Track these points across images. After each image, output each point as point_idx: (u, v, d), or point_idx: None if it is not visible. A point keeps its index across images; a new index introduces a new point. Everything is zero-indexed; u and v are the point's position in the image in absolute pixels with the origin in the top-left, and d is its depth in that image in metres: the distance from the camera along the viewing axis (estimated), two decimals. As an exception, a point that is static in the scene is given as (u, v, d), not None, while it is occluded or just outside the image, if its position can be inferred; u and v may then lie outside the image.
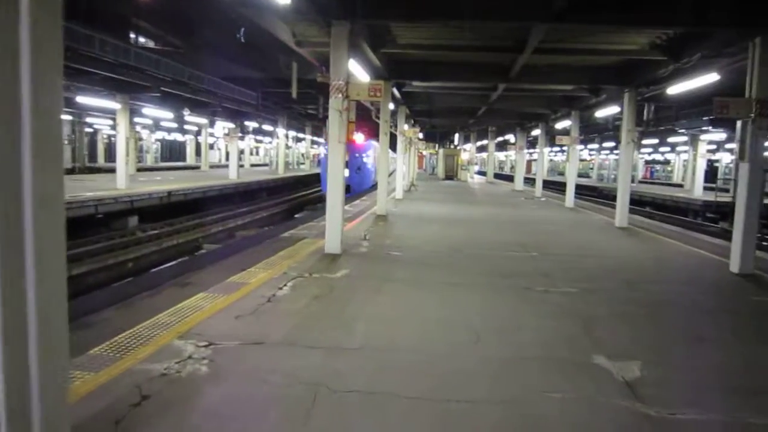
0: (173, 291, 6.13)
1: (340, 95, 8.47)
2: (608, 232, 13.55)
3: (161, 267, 13.13)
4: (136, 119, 31.62)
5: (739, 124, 8.74)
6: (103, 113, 30.21)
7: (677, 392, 3.98)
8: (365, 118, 20.67)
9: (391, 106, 18.21)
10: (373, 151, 27.73)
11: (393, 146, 22.22)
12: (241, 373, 3.93)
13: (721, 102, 8.56)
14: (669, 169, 60.52)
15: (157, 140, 53.34)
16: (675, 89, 12.53)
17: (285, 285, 6.53)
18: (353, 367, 4.15)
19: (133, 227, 17.68)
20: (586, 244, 11.34)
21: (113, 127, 26.50)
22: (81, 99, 20.96)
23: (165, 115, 27.23)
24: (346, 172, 29.41)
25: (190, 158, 54.41)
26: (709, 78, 10.85)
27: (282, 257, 8.21)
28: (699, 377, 4.33)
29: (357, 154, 27.88)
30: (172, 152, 62.68)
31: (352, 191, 27.96)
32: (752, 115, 8.47)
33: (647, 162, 62.04)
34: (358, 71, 11.30)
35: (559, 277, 7.73)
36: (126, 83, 19.56)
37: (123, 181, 19.84)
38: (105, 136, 45.92)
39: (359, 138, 27.19)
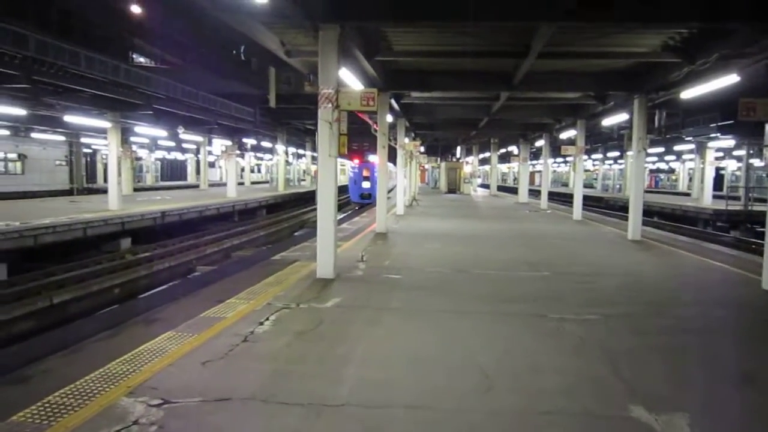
0: (136, 330, 5.36)
1: (329, 105, 7.74)
2: (622, 247, 12.74)
3: (130, 300, 12.25)
4: (133, 138, 31.06)
5: (767, 127, 8.00)
6: (100, 133, 29.70)
7: (743, 460, 3.19)
8: (372, 139, 20.30)
9: (390, 118, 17.52)
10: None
11: (394, 160, 21.55)
12: (194, 446, 3.15)
13: (748, 104, 7.84)
14: (674, 177, 59.71)
15: (157, 159, 52.76)
16: (689, 93, 11.74)
17: (267, 319, 5.74)
18: (336, 433, 3.37)
19: (125, 250, 16.96)
20: (599, 261, 10.53)
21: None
22: (69, 118, 20.28)
23: (159, 133, 26.62)
24: (368, 184, 30.33)
25: (191, 177, 53.81)
26: (728, 80, 10.11)
27: (268, 284, 7.43)
28: (764, 435, 3.54)
29: (375, 171, 32.03)
30: (173, 171, 62.14)
31: (372, 199, 31.62)
32: (782, 117, 7.76)
33: (651, 171, 61.18)
34: (351, 81, 10.61)
35: (575, 301, 6.93)
36: (117, 101, 18.96)
37: (115, 202, 19.17)
38: (104, 157, 45.32)
39: (376, 158, 32.03)
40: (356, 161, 39.22)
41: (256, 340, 5.09)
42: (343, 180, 65.13)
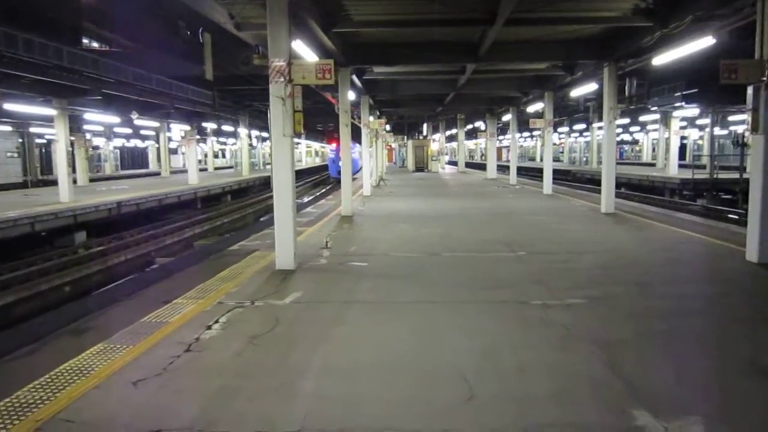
0: (63, 343, 4.64)
1: (281, 79, 7.01)
2: (596, 221, 12.34)
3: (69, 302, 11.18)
4: (87, 127, 29.66)
5: (749, 90, 7.55)
6: (51, 122, 28.19)
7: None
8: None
9: (353, 96, 16.79)
10: (357, 148, 34.05)
11: (359, 139, 20.92)
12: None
13: (729, 65, 7.36)
14: (638, 148, 60.24)
15: (115, 148, 50.90)
16: (661, 59, 11.26)
17: (216, 322, 5.07)
18: (287, 471, 2.76)
19: (80, 244, 16.02)
20: (576, 237, 10.07)
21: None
22: (11, 106, 19.00)
23: (111, 119, 25.40)
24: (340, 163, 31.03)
25: (153, 164, 52.10)
26: (702, 42, 9.64)
27: (221, 279, 6.73)
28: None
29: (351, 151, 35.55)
30: (134, 159, 60.28)
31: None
32: (764, 78, 7.31)
33: (616, 143, 61.40)
34: (308, 56, 9.87)
35: (557, 284, 6.42)
36: (62, 87, 17.80)
37: (66, 194, 18.12)
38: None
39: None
40: (334, 144, 40.02)
41: (201, 348, 4.42)
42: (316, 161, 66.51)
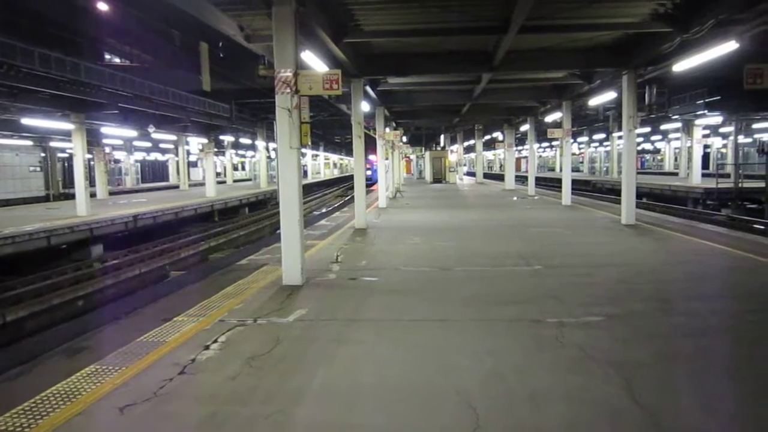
0: (54, 363, 4.47)
1: (288, 90, 6.84)
2: (616, 232, 11.97)
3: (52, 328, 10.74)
4: (106, 140, 29.94)
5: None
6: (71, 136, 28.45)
7: None
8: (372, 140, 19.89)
9: (367, 107, 16.64)
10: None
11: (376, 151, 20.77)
12: None
13: (754, 70, 7.10)
14: (659, 157, 59.37)
15: (136, 161, 51.39)
16: (682, 65, 10.90)
17: (215, 341, 4.86)
18: None
19: (96, 257, 16.04)
20: (595, 250, 9.71)
21: (89, 150, 24.79)
22: (29, 121, 19.20)
23: (129, 133, 25.61)
24: (369, 173, 32.65)
25: (173, 177, 52.54)
26: (725, 47, 9.29)
27: (226, 295, 6.54)
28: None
29: (374, 164, 37.57)
30: (155, 172, 60.73)
31: (372, 181, 35.37)
32: (792, 83, 6.99)
33: (636, 152, 60.46)
34: (319, 67, 9.72)
35: (574, 300, 6.12)
36: (79, 101, 17.96)
37: (83, 208, 18.26)
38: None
39: (373, 157, 37.66)
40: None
41: (196, 371, 4.21)
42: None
